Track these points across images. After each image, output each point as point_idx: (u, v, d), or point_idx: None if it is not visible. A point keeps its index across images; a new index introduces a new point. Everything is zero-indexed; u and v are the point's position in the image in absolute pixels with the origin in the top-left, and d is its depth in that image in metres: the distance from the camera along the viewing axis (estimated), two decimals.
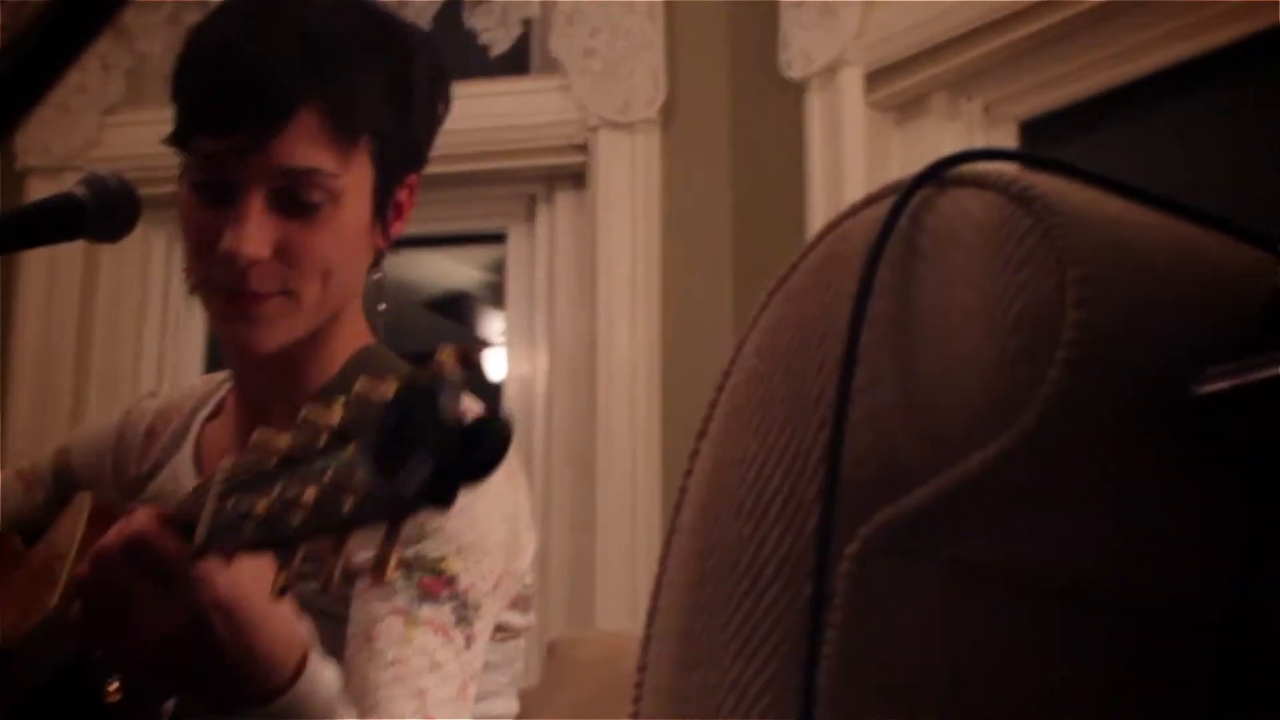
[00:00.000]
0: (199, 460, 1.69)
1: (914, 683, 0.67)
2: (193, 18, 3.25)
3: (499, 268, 3.69)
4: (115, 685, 1.37)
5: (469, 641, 1.41)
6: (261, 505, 0.93)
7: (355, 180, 1.49)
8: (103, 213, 1.37)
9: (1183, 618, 0.70)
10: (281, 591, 0.97)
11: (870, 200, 0.74)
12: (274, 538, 0.93)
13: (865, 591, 0.68)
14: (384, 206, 1.55)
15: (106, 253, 3.48)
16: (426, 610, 1.38)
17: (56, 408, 3.43)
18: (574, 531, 3.20)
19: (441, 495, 0.81)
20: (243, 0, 1.52)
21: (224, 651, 1.14)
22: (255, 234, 1.44)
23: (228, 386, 1.72)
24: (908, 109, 2.98)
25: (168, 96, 1.54)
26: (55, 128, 3.44)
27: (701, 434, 0.80)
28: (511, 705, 1.62)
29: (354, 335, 1.63)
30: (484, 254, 4.32)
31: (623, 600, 3.04)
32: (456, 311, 4.79)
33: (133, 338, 3.54)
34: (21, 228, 1.35)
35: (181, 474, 1.67)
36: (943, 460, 0.67)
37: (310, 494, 0.88)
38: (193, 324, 3.60)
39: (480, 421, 0.82)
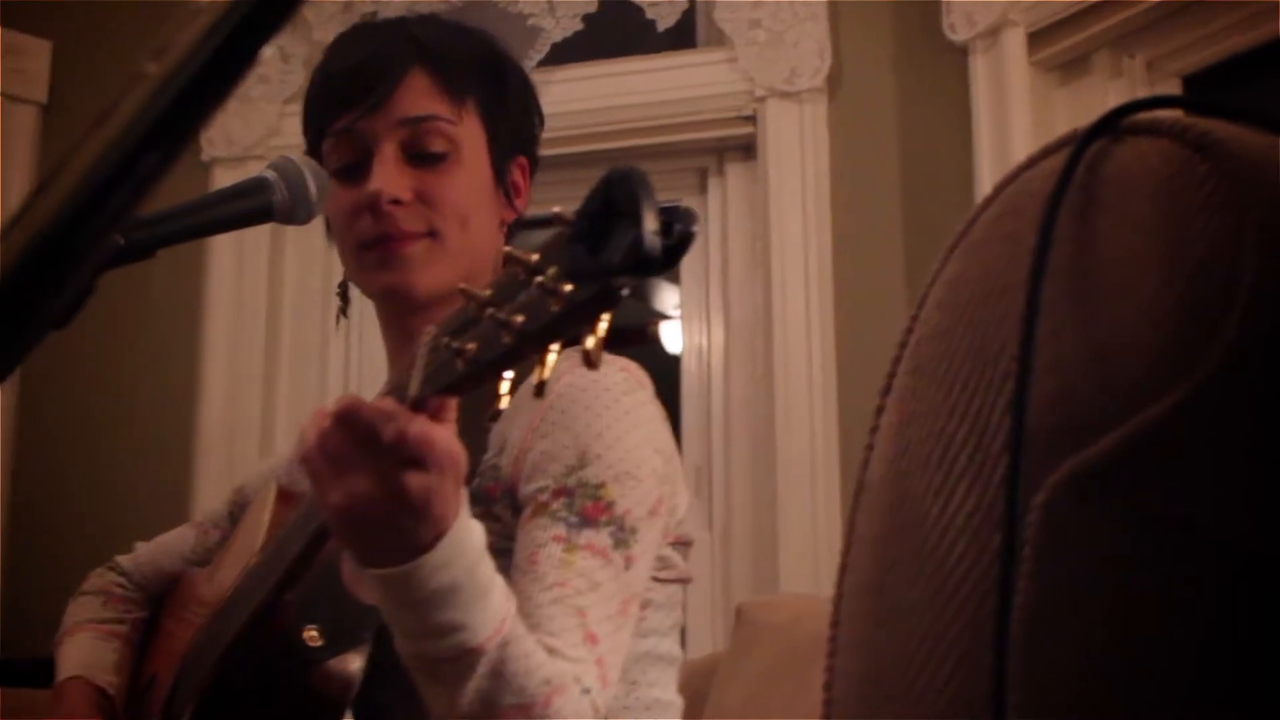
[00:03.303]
0: None
1: (1103, 631, 0.67)
2: (366, 9, 3.32)
3: None
4: (314, 631, 1.44)
5: (628, 563, 1.50)
6: (471, 343, 1.00)
7: (470, 134, 1.71)
8: (293, 195, 1.43)
9: None
10: (493, 417, 1.03)
11: (1046, 152, 0.75)
12: (486, 363, 0.99)
13: (1054, 540, 0.68)
14: (501, 176, 1.73)
15: (291, 233, 3.57)
16: (586, 535, 1.47)
17: (248, 391, 3.53)
18: (755, 499, 3.22)
19: (646, 262, 0.85)
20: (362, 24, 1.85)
21: (406, 503, 1.21)
22: (394, 177, 1.65)
23: None
24: (1071, 68, 2.96)
25: None
26: (238, 118, 3.56)
27: (886, 390, 0.80)
28: (675, 648, 1.71)
29: None
30: None
31: (805, 565, 3.05)
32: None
33: (320, 318, 3.63)
34: (215, 212, 1.40)
35: None
36: (1125, 409, 0.67)
37: (518, 316, 0.93)
38: None
39: (667, 209, 0.86)
